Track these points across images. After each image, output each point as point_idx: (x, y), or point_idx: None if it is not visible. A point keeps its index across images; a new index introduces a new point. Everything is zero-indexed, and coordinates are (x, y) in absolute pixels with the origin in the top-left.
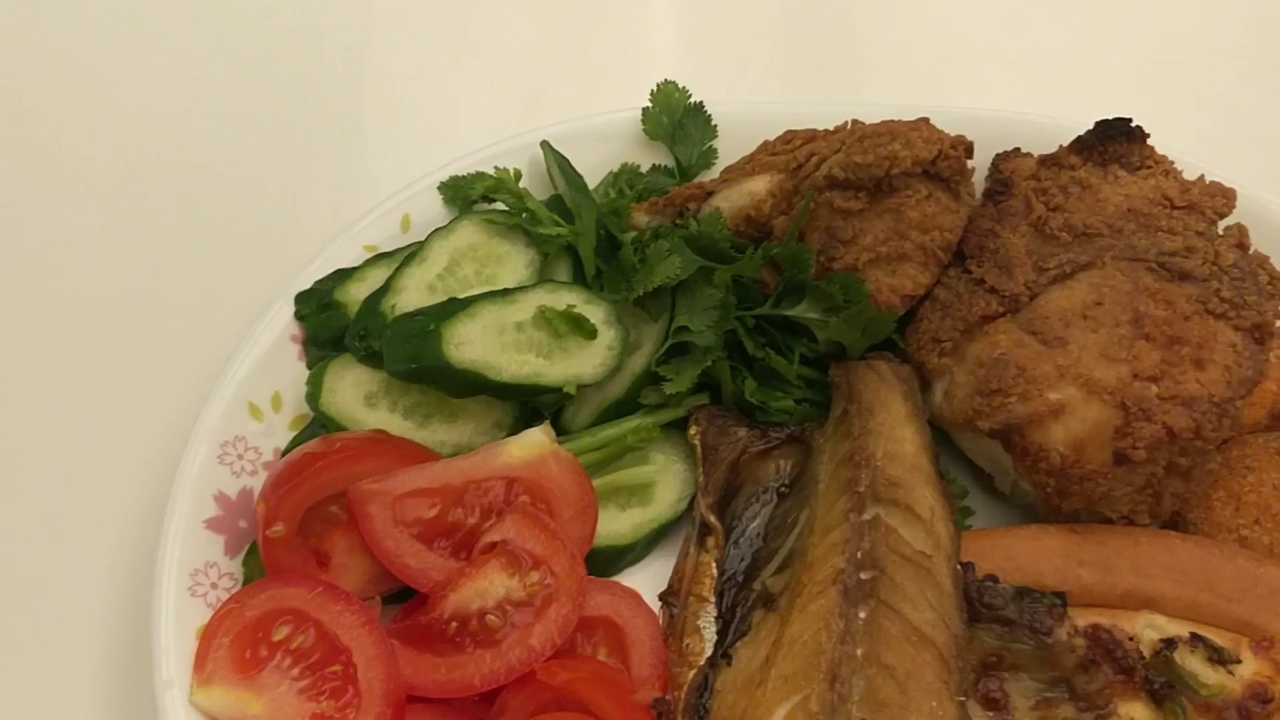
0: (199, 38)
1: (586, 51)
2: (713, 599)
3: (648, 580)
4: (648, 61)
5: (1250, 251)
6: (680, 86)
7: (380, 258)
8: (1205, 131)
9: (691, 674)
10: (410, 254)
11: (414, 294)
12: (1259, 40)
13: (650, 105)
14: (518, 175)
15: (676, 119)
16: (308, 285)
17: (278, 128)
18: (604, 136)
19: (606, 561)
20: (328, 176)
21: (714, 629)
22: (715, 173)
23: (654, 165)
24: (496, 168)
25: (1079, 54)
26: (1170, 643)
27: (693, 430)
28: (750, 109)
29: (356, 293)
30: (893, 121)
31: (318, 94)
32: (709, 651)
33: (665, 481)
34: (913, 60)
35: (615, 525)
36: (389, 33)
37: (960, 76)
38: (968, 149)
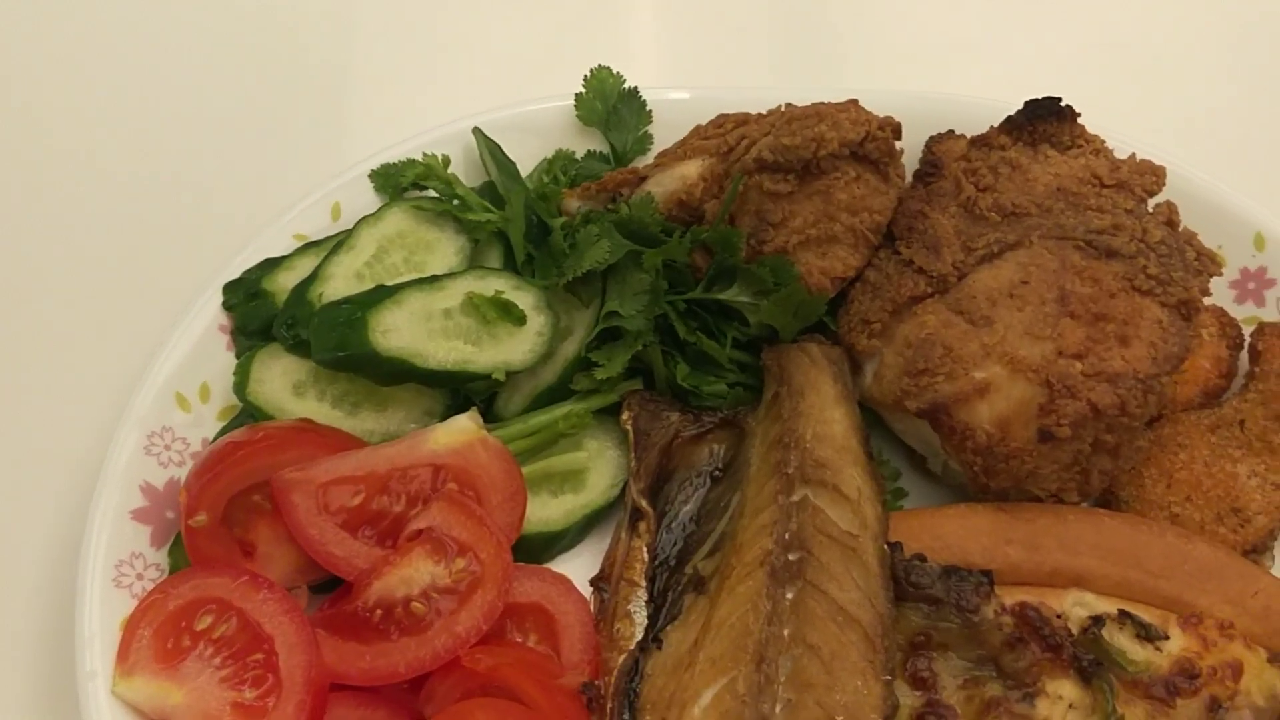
0: (124, 34)
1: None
2: (644, 583)
3: (581, 566)
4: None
5: (1180, 229)
6: (615, 72)
7: (309, 246)
8: (1144, 112)
9: (622, 659)
10: (338, 242)
11: (341, 282)
12: (1198, 21)
13: (584, 91)
14: (446, 162)
15: (611, 105)
16: (236, 275)
17: (205, 117)
18: (538, 123)
19: (538, 548)
20: (258, 165)
21: (645, 613)
22: (651, 158)
23: (589, 151)
24: (425, 154)
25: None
26: (1098, 620)
27: (625, 415)
28: (685, 94)
29: (285, 282)
30: (822, 104)
31: (248, 82)
32: (639, 636)
33: (598, 468)
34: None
35: (547, 512)
36: (331, 18)
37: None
38: (896, 130)
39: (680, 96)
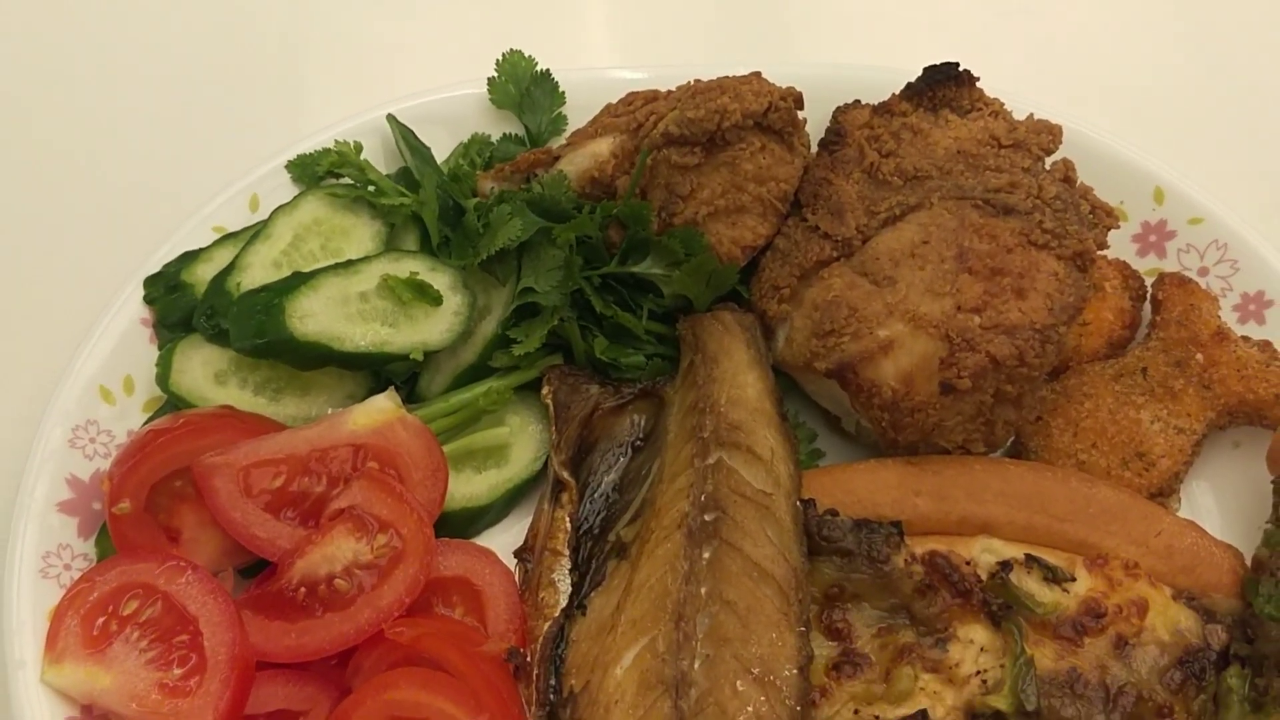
0: (39, 32)
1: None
2: (567, 553)
3: (507, 540)
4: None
5: (1076, 185)
6: (527, 56)
7: (227, 238)
8: (1045, 76)
9: (547, 626)
10: (255, 232)
11: (259, 271)
12: None
13: (497, 75)
14: (359, 148)
15: (524, 88)
16: (156, 269)
17: (121, 113)
18: (452, 109)
19: (464, 523)
20: (177, 160)
21: (569, 582)
22: (565, 139)
23: (505, 134)
24: (337, 141)
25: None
26: (1006, 565)
27: (545, 390)
28: (597, 75)
29: (204, 273)
30: (726, 77)
31: (165, 77)
32: (564, 603)
33: (521, 442)
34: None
35: (471, 488)
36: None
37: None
38: (797, 100)
39: (593, 77)
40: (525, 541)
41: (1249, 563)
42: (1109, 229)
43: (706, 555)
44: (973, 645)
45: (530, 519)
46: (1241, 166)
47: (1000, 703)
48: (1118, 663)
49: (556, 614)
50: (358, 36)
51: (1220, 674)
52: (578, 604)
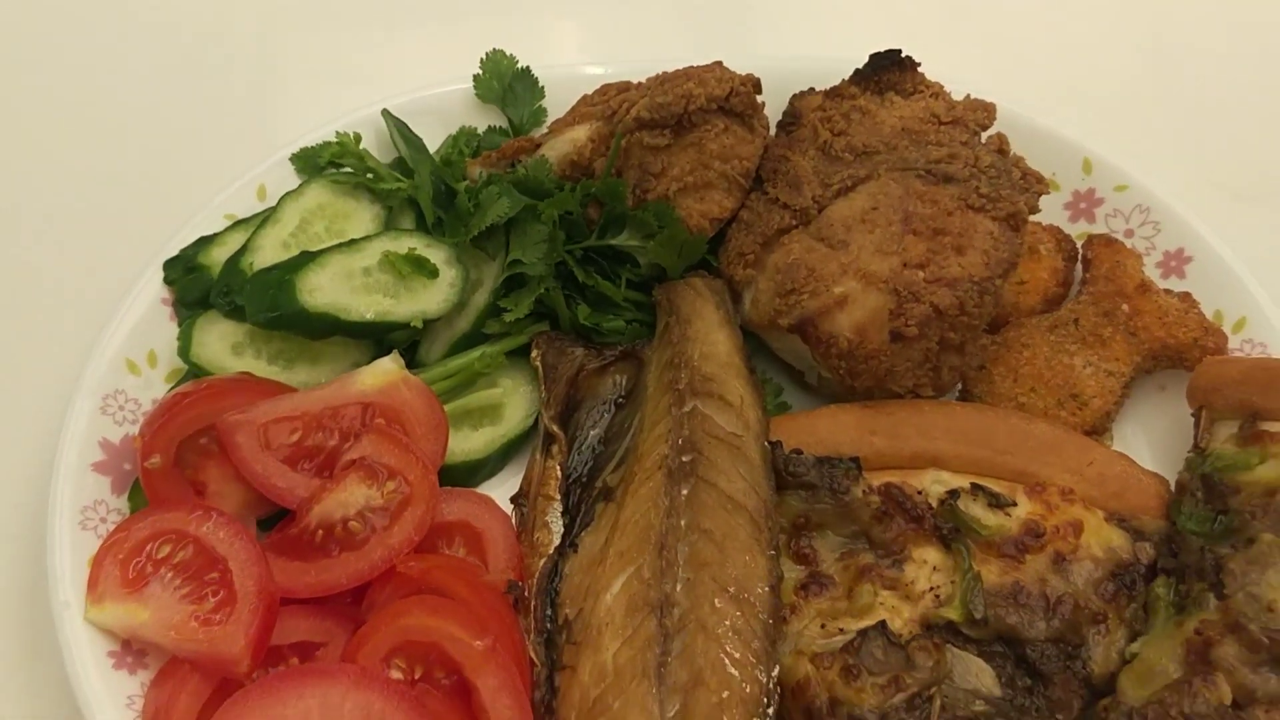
0: (65, 31)
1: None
2: (559, 498)
3: (506, 490)
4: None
5: (1009, 155)
6: (508, 54)
7: (239, 224)
8: (986, 61)
9: (542, 563)
10: (265, 217)
11: (270, 252)
12: None
13: (481, 73)
14: (358, 139)
15: (506, 83)
16: (175, 253)
17: (144, 118)
18: (442, 104)
19: (464, 475)
20: (192, 156)
21: (561, 524)
22: (546, 130)
23: (490, 127)
24: (338, 133)
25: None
26: (954, 493)
27: (534, 353)
28: (572, 70)
29: (219, 256)
30: (690, 66)
31: (183, 85)
32: (557, 542)
33: (513, 402)
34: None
35: (469, 444)
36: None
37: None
38: (756, 85)
39: (570, 72)
40: (520, 489)
41: (1173, 488)
42: (1040, 194)
43: (685, 492)
44: (926, 565)
45: (524, 469)
46: (1166, 144)
47: (952, 614)
48: (1056, 577)
49: (550, 552)
50: (356, 41)
51: (1149, 585)
52: (570, 542)
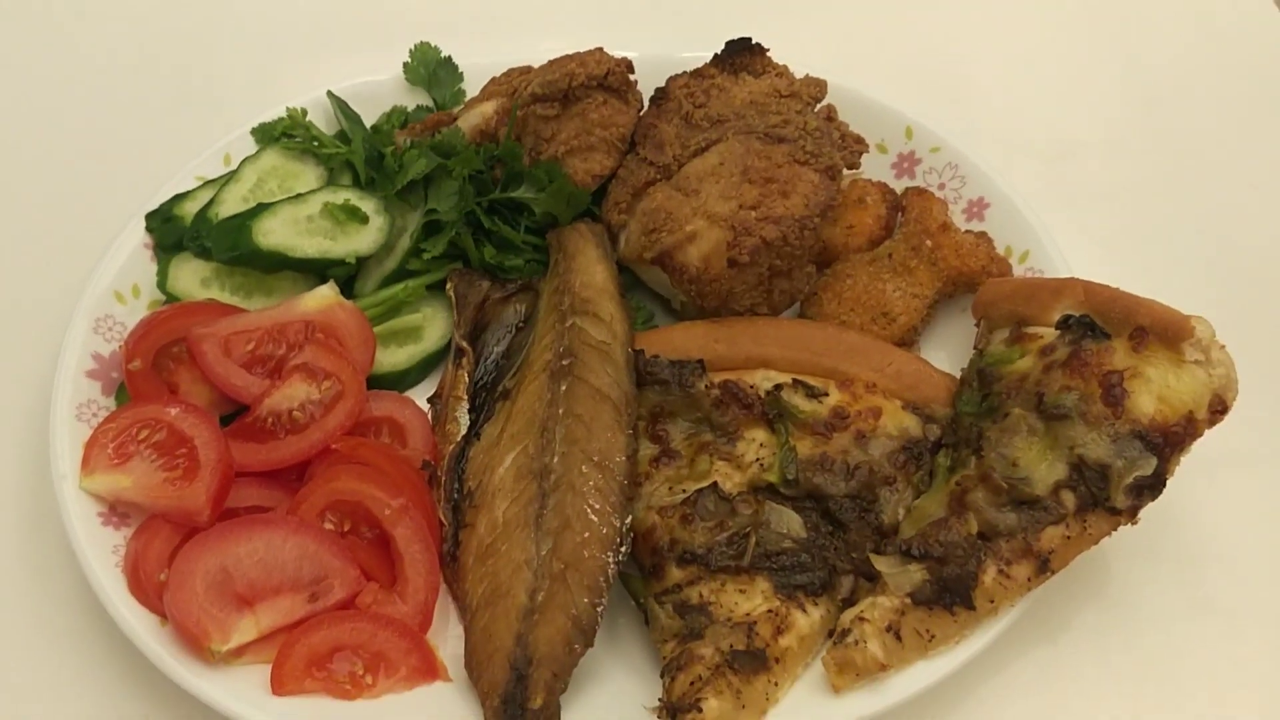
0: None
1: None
2: (466, 399)
3: (424, 394)
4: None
5: (835, 121)
6: (433, 45)
7: (207, 183)
8: (830, 46)
9: (451, 448)
10: (229, 178)
11: (232, 205)
12: None
13: (410, 61)
14: (304, 113)
15: (431, 70)
16: (155, 207)
17: (127, 104)
18: (378, 90)
19: (392, 383)
20: (171, 134)
21: (468, 419)
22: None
23: (418, 105)
24: (288, 109)
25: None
26: (779, 386)
27: (449, 285)
28: (485, 59)
29: (190, 208)
30: (576, 52)
31: (163, 69)
32: (464, 432)
33: (431, 325)
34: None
35: (395, 358)
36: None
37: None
38: (629, 66)
39: (484, 60)
40: (436, 392)
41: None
42: (858, 152)
43: (564, 387)
44: (754, 442)
45: (440, 378)
46: (984, 123)
47: (771, 477)
48: (857, 449)
49: (458, 439)
50: (309, 38)
51: (934, 457)
52: (474, 432)
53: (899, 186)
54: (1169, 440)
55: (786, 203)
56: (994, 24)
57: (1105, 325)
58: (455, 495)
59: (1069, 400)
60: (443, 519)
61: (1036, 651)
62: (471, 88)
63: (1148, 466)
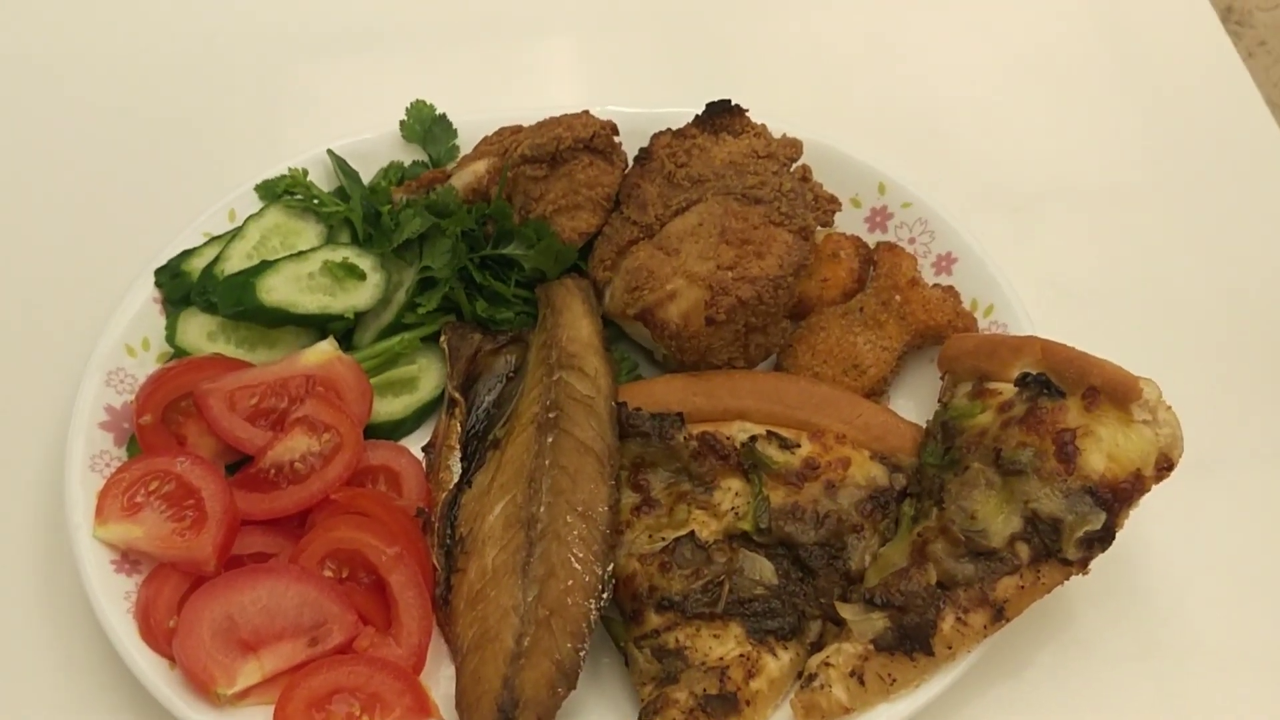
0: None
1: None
2: (459, 448)
3: (418, 443)
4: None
5: (810, 182)
6: (428, 103)
7: (213, 239)
8: (804, 103)
9: (444, 495)
10: (233, 234)
11: (237, 261)
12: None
13: (406, 119)
14: (305, 172)
15: (427, 127)
16: (163, 263)
17: (137, 155)
18: (375, 146)
19: (388, 432)
20: (179, 190)
21: (460, 467)
22: (456, 163)
23: (414, 161)
24: (290, 168)
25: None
26: (754, 438)
27: (443, 338)
28: (478, 116)
29: (197, 264)
30: (564, 115)
31: (171, 125)
32: (456, 480)
33: (426, 376)
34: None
35: (391, 407)
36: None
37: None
38: (613, 129)
39: (476, 118)
40: (430, 441)
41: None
42: (832, 211)
43: (550, 439)
44: (730, 491)
45: (434, 427)
46: (945, 173)
47: (745, 525)
48: (826, 498)
49: (451, 487)
50: (310, 97)
51: (899, 505)
52: (466, 479)
53: (872, 240)
54: (1118, 496)
55: (761, 263)
56: (966, 76)
57: (1060, 384)
58: (448, 541)
59: (1024, 456)
60: (436, 564)
61: (996, 690)
62: (465, 143)
63: (1097, 521)
